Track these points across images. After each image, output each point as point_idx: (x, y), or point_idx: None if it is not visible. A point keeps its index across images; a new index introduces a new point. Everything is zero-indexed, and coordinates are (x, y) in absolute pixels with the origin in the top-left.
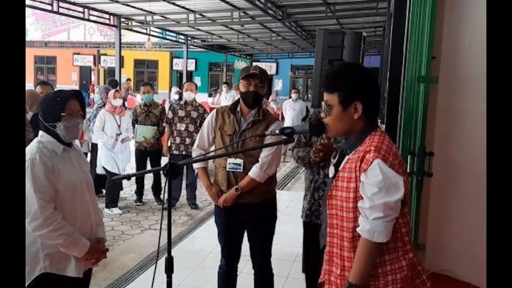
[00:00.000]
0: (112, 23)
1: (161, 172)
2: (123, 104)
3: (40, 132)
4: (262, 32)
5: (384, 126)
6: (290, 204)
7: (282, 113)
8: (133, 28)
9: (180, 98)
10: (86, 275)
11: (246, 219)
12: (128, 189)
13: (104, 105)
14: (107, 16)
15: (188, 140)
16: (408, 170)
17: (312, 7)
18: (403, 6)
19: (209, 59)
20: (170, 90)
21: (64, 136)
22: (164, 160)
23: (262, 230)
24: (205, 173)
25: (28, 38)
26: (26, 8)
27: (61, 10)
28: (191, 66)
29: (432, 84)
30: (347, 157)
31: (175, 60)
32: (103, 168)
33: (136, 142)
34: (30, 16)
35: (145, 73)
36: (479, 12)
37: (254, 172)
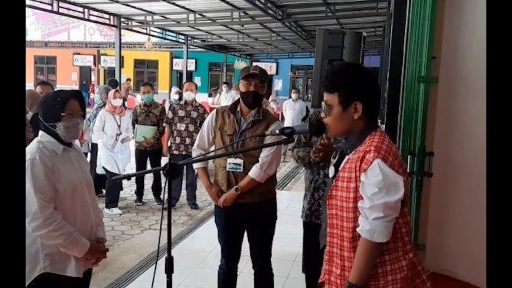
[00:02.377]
0: (112, 23)
1: (161, 172)
2: (123, 104)
3: (40, 132)
4: (262, 32)
5: (384, 126)
6: (290, 204)
7: (282, 113)
8: (133, 28)
9: (180, 98)
10: (86, 275)
11: (246, 219)
12: (128, 189)
13: (104, 105)
14: (107, 16)
15: (188, 140)
16: (408, 170)
17: (312, 7)
18: (403, 6)
19: (209, 59)
20: (170, 90)
21: (64, 136)
22: (164, 160)
23: (262, 230)
24: (205, 173)
25: (28, 38)
26: (26, 8)
27: (61, 10)
28: (191, 66)
29: (432, 84)
30: (347, 157)
31: (175, 60)
32: (103, 168)
33: (136, 142)
34: (30, 16)
35: (145, 73)
36: (479, 12)
37: (254, 172)
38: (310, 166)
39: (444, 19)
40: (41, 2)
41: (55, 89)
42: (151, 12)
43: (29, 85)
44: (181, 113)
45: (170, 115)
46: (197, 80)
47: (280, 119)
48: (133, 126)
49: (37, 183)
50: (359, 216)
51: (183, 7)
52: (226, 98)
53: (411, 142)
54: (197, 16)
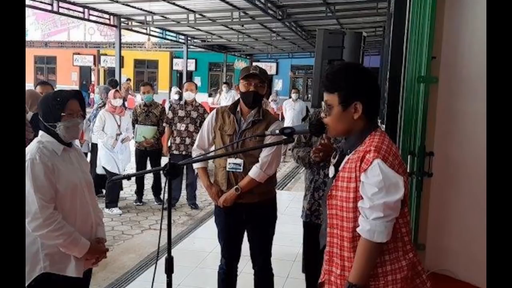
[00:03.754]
0: (112, 23)
1: (161, 172)
2: (123, 104)
3: (40, 132)
4: (262, 32)
5: (384, 126)
6: (290, 204)
7: (282, 113)
8: (133, 28)
9: (180, 98)
10: (86, 275)
11: (246, 219)
12: (128, 189)
13: (104, 105)
14: (107, 16)
15: (188, 140)
16: (408, 170)
17: (312, 7)
18: (403, 6)
19: (209, 59)
20: (170, 90)
21: (64, 136)
22: (164, 160)
23: (262, 230)
24: (205, 173)
25: (28, 38)
26: (26, 8)
27: (61, 10)
28: (191, 66)
29: (432, 84)
30: (347, 157)
31: (175, 60)
32: (103, 168)
33: (136, 142)
34: (30, 16)
35: (145, 73)
36: (479, 12)
37: (254, 172)
38: (310, 166)
39: (444, 19)
40: (41, 2)
41: (55, 89)
42: (151, 12)
43: (29, 85)
44: (181, 113)
45: (170, 115)
46: (197, 80)
47: (280, 119)
48: (133, 126)
49: (37, 183)
50: (359, 216)
51: (183, 7)
52: (226, 98)
53: (411, 142)
54: (197, 16)
